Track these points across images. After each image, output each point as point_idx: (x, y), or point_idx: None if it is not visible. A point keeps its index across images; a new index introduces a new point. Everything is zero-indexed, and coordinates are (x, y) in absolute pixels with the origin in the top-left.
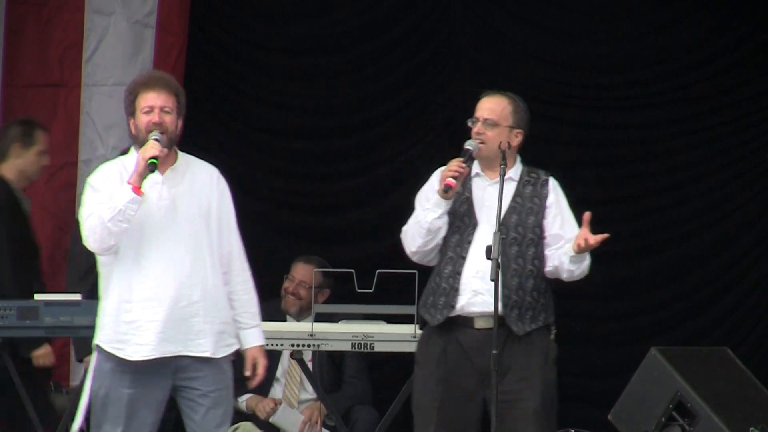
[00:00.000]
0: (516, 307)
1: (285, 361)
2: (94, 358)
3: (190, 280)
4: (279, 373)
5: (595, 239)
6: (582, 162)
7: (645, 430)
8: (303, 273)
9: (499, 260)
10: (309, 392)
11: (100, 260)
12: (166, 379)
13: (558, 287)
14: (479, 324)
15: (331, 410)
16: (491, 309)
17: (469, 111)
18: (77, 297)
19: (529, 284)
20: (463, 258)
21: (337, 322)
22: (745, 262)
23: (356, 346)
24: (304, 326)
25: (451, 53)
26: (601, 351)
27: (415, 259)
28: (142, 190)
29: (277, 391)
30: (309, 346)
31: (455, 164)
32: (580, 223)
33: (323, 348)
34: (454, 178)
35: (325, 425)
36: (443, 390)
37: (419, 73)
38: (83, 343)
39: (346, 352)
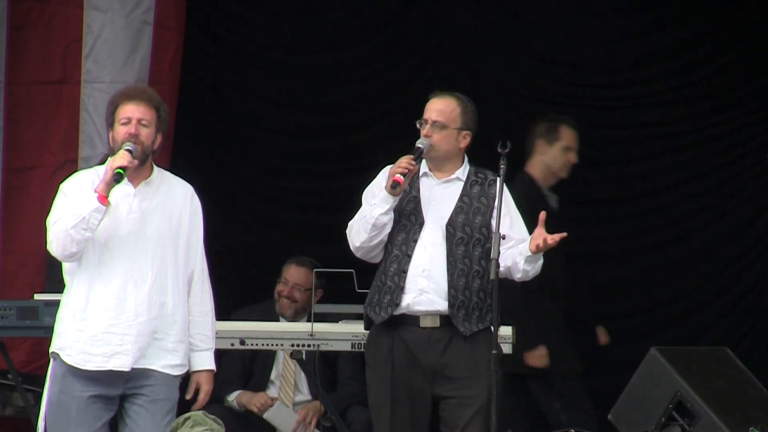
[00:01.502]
0: (463, 308)
1: (280, 363)
2: (50, 366)
3: (150, 297)
4: (273, 375)
5: (552, 238)
6: (582, 161)
7: (645, 430)
8: (296, 275)
9: (498, 260)
10: (304, 394)
11: (65, 268)
12: (118, 387)
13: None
14: (425, 323)
15: (330, 410)
16: (436, 308)
17: None
18: None
19: (476, 284)
20: (409, 256)
21: (336, 322)
22: (744, 261)
23: (356, 346)
24: (304, 326)
25: (451, 53)
26: (601, 351)
27: (358, 254)
28: (110, 200)
29: (271, 393)
30: (309, 346)
31: (405, 161)
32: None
33: (323, 348)
34: (402, 174)
35: (319, 425)
36: (393, 389)
37: (419, 73)
38: None
39: (340, 353)
